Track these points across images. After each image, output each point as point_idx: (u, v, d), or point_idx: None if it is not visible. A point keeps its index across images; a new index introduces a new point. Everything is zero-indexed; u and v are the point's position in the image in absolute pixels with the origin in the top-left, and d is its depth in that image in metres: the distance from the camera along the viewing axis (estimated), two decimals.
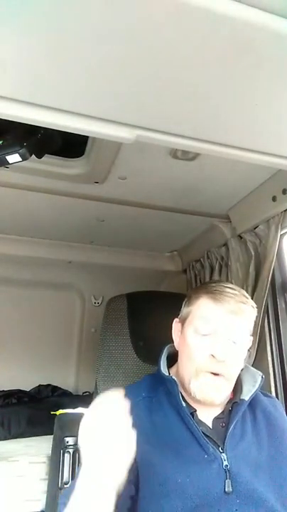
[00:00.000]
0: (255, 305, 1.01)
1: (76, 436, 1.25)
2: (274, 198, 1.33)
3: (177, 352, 1.04)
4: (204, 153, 0.86)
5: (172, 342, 1.06)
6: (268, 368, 1.42)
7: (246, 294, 1.01)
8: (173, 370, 1.04)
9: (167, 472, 0.85)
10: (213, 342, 0.93)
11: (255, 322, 1.32)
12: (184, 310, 1.04)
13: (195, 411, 0.95)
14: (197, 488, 0.84)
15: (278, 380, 1.42)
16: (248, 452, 0.92)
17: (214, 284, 1.01)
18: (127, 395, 0.99)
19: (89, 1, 0.52)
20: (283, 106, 0.73)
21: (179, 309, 1.07)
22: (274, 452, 0.94)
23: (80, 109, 0.70)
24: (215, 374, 0.93)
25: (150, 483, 0.85)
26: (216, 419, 0.97)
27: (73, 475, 1.18)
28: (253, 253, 1.49)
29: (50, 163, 1.21)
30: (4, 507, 1.39)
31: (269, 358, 1.44)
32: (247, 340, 1.00)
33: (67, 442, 1.24)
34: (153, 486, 0.85)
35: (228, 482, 0.85)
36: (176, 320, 1.06)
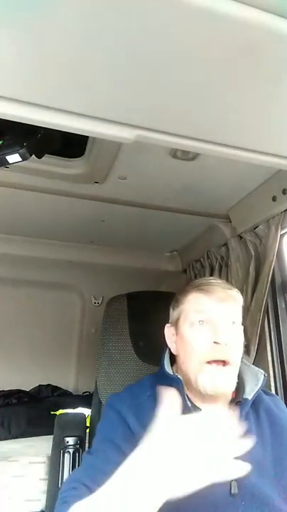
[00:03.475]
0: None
1: (76, 436, 1.27)
2: (274, 198, 1.33)
3: (174, 355, 1.03)
4: (204, 153, 0.86)
5: None
6: (268, 367, 1.42)
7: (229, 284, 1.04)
8: (174, 371, 1.03)
9: None
10: (212, 329, 0.93)
11: (255, 322, 1.32)
12: (174, 312, 1.04)
13: (200, 410, 0.94)
14: (202, 490, 0.83)
15: (278, 379, 1.42)
16: (253, 453, 0.91)
17: (198, 280, 1.04)
18: (132, 394, 0.99)
19: (89, 1, 0.52)
20: (283, 106, 0.73)
21: None
22: (278, 452, 0.93)
23: (80, 109, 0.70)
24: (221, 362, 0.91)
25: None
26: None
27: None
28: (253, 253, 1.49)
29: (50, 163, 1.21)
30: (4, 507, 1.39)
31: (269, 358, 1.44)
32: (241, 325, 1.00)
33: (67, 442, 1.24)
34: None
35: (234, 484, 0.84)
36: (167, 325, 1.05)
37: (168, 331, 1.05)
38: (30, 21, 0.54)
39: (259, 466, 0.89)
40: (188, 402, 0.93)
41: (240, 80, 0.66)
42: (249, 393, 0.97)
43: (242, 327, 1.01)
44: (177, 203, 1.55)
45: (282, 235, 1.37)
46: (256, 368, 1.05)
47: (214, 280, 1.03)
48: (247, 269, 1.50)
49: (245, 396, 0.97)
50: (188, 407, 0.91)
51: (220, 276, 1.71)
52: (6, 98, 0.66)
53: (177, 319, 1.01)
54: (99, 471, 0.78)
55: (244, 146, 0.83)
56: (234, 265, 1.58)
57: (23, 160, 0.94)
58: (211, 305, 0.95)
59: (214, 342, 0.91)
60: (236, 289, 1.02)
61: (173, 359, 1.05)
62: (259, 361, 1.40)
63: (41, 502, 1.38)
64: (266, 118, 0.76)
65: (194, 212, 1.62)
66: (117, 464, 0.79)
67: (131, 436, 0.89)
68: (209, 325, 0.94)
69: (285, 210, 1.33)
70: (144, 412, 0.93)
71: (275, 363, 1.44)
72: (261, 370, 1.04)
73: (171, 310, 1.06)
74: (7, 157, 0.93)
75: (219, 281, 1.02)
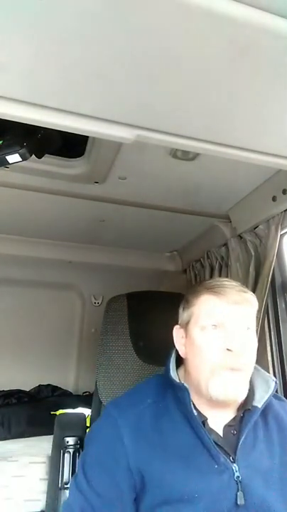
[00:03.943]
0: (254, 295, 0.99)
1: (76, 436, 1.27)
2: (274, 198, 1.33)
3: (180, 356, 0.99)
4: (204, 153, 0.86)
5: (173, 342, 1.02)
6: (268, 368, 1.42)
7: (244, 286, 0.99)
8: (181, 374, 0.99)
9: (174, 483, 0.82)
10: (225, 335, 0.88)
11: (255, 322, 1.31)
12: (184, 314, 0.99)
13: (206, 419, 0.90)
14: (206, 500, 0.81)
15: (278, 379, 1.42)
16: (260, 462, 0.88)
17: (210, 281, 0.98)
18: (132, 403, 0.95)
19: (89, 2, 0.52)
20: (283, 106, 0.73)
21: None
22: (286, 461, 0.90)
23: (80, 109, 0.70)
24: (234, 370, 0.87)
25: (156, 495, 0.82)
26: (227, 426, 0.92)
27: (73, 475, 1.18)
28: (253, 253, 1.49)
29: (50, 163, 1.22)
30: (4, 507, 1.39)
31: (269, 358, 1.44)
32: (255, 330, 0.95)
33: (67, 442, 1.24)
34: (159, 499, 0.82)
35: (240, 494, 0.81)
36: (177, 327, 1.00)
37: (177, 332, 0.99)
38: (31, 22, 0.54)
39: (266, 475, 0.87)
40: (194, 410, 0.89)
41: (240, 79, 0.66)
42: (259, 401, 0.93)
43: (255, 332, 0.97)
44: (177, 203, 1.55)
45: (282, 235, 1.37)
46: (267, 374, 1.00)
47: (228, 282, 0.96)
48: (247, 269, 1.50)
49: (255, 404, 0.93)
50: (194, 416, 0.88)
51: (220, 277, 1.71)
52: (6, 98, 0.66)
53: (188, 321, 0.96)
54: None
55: (244, 146, 0.83)
56: (234, 265, 1.58)
57: (23, 160, 0.94)
58: (224, 308, 0.90)
59: (227, 349, 0.87)
60: (251, 292, 0.97)
61: (179, 361, 1.01)
62: (259, 361, 1.40)
63: (41, 502, 1.38)
64: (265, 118, 0.76)
65: (194, 212, 1.62)
66: (103, 497, 0.83)
67: (122, 460, 0.86)
68: (221, 330, 0.89)
69: (285, 210, 1.33)
70: (143, 422, 0.91)
71: (276, 363, 1.44)
72: (273, 377, 0.99)
73: (180, 310, 1.01)
74: (7, 157, 0.93)
75: (233, 283, 0.96)
